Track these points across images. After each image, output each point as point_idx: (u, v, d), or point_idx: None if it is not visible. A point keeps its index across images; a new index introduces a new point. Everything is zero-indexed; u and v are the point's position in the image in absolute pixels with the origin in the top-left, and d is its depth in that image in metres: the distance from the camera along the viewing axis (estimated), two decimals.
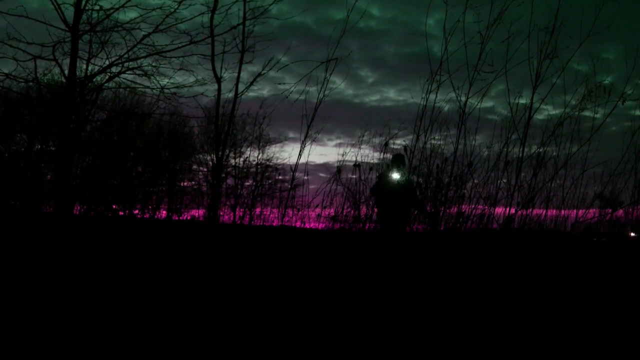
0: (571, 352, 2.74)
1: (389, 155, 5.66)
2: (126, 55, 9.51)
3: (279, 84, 6.23)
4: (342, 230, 5.00)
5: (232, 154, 18.83)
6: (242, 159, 19.47)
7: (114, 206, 15.36)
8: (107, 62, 9.67)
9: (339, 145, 9.40)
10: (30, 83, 9.73)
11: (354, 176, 5.46)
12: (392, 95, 23.09)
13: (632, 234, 5.03)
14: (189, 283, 3.83)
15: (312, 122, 5.09)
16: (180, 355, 2.29)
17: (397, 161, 5.99)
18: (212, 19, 7.55)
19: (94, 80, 10.12)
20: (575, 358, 2.70)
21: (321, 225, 5.24)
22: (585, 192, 4.50)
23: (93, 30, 9.27)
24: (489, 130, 4.53)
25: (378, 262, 4.13)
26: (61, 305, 2.69)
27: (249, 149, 19.56)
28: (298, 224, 5.36)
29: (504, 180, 4.48)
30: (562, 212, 4.55)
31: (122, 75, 9.99)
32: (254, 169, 19.40)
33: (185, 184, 19.69)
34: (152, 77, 9.71)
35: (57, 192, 9.98)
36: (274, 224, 5.59)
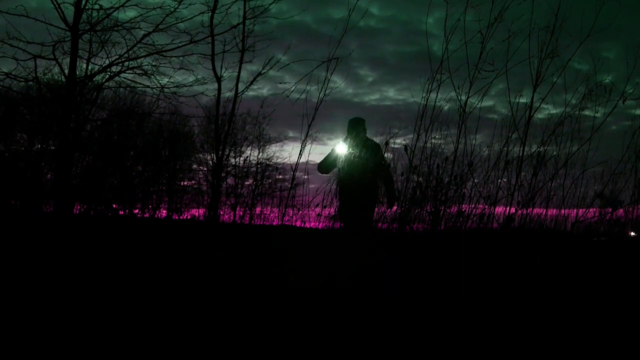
0: (570, 352, 2.74)
1: (389, 155, 5.46)
2: (126, 55, 9.52)
3: (279, 83, 6.24)
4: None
5: (232, 154, 18.84)
6: (242, 159, 19.49)
7: (114, 205, 15.36)
8: (107, 62, 9.69)
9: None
10: (30, 82, 9.73)
11: None
12: (392, 94, 23.06)
13: (632, 233, 5.02)
14: (189, 281, 3.83)
15: (312, 121, 5.10)
16: (183, 353, 2.30)
17: (354, 128, 4.99)
18: (212, 18, 7.55)
19: (94, 79, 10.14)
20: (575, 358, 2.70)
21: (321, 225, 5.24)
22: (586, 192, 4.50)
23: (93, 29, 9.28)
24: (489, 129, 4.54)
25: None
26: (60, 305, 2.69)
27: (249, 148, 19.58)
28: (298, 223, 5.36)
29: (504, 180, 4.48)
30: (562, 211, 4.55)
31: (122, 75, 10.01)
32: (254, 169, 19.43)
33: (186, 183, 19.69)
34: (152, 77, 9.72)
35: (57, 191, 9.99)
36: (274, 224, 5.60)
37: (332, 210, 5.17)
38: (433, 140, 4.68)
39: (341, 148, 4.88)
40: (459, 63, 4.14)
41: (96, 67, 9.86)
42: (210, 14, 7.58)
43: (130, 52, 9.45)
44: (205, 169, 19.54)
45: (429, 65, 4.24)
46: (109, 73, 9.93)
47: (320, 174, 5.08)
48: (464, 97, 4.27)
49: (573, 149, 4.29)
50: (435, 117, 4.40)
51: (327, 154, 5.05)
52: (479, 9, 3.93)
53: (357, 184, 4.79)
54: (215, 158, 10.29)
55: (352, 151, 4.92)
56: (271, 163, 19.16)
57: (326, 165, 4.97)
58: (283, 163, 18.85)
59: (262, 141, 19.60)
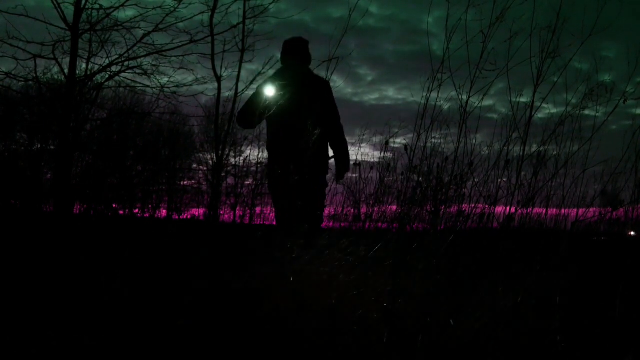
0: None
1: (389, 154, 5.26)
2: (126, 54, 9.54)
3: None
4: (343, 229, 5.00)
5: (232, 153, 18.88)
6: (242, 158, 19.52)
7: (114, 205, 15.37)
8: (107, 61, 9.71)
9: None
10: (30, 82, 9.75)
11: (354, 175, 5.44)
12: (392, 93, 23.10)
13: (632, 233, 5.03)
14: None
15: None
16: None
17: (293, 54, 3.51)
18: (212, 17, 7.53)
19: (94, 79, 10.16)
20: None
21: (322, 225, 5.24)
22: (586, 192, 4.50)
23: (93, 29, 9.30)
24: (488, 128, 4.53)
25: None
26: (60, 305, 2.70)
27: (249, 148, 19.62)
28: None
29: (504, 179, 4.48)
30: (563, 211, 4.55)
31: (122, 74, 10.03)
32: (254, 168, 19.46)
33: (185, 183, 19.75)
34: (152, 76, 9.74)
35: (57, 191, 10.00)
36: (274, 223, 5.59)
37: (332, 210, 5.16)
38: (433, 140, 4.67)
39: (270, 90, 3.30)
40: (460, 62, 4.14)
41: (96, 67, 9.89)
42: (210, 13, 7.57)
43: (130, 52, 9.48)
44: (205, 168, 19.59)
45: (429, 65, 4.23)
46: (108, 73, 9.96)
47: (241, 127, 3.75)
48: (464, 97, 4.27)
49: (574, 148, 4.28)
50: (435, 116, 4.39)
51: (252, 96, 3.58)
52: (480, 8, 3.93)
53: (296, 141, 3.19)
54: (215, 158, 10.29)
55: (290, 91, 3.26)
56: None
57: (251, 113, 3.45)
58: None
59: (262, 141, 19.62)
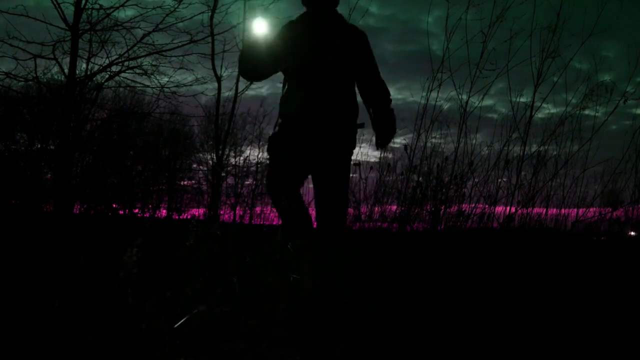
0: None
1: (389, 155, 5.25)
2: (126, 54, 9.55)
3: (279, 82, 6.23)
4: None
5: (232, 153, 18.87)
6: (242, 158, 19.51)
7: (114, 205, 15.38)
8: (107, 61, 9.73)
9: None
10: (30, 82, 9.76)
11: (354, 175, 5.44)
12: (392, 93, 23.05)
13: (632, 233, 5.02)
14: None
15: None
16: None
17: None
18: (212, 18, 7.58)
19: (94, 79, 10.17)
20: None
21: None
22: (586, 191, 4.50)
23: (93, 29, 9.31)
24: (488, 128, 4.54)
25: None
26: (60, 306, 2.70)
27: (249, 147, 19.61)
28: None
29: (504, 179, 4.48)
30: (563, 210, 4.55)
31: (122, 74, 10.05)
32: (254, 168, 19.45)
33: (186, 182, 19.73)
34: (152, 76, 9.76)
35: (57, 191, 10.01)
36: (275, 223, 5.59)
37: None
38: (433, 140, 4.67)
39: (261, 25, 2.53)
40: (460, 62, 4.14)
41: (96, 67, 9.91)
42: (210, 13, 7.61)
43: (130, 52, 9.49)
44: (205, 168, 19.57)
45: (429, 64, 4.23)
46: (108, 73, 9.98)
47: (244, 76, 2.95)
48: (464, 97, 4.27)
49: (574, 148, 4.29)
50: (435, 116, 4.39)
51: (255, 38, 2.61)
52: (480, 8, 3.93)
53: (324, 107, 2.59)
54: (215, 157, 10.30)
55: (317, 40, 2.59)
56: None
57: (261, 59, 2.63)
58: None
59: (262, 140, 19.61)
